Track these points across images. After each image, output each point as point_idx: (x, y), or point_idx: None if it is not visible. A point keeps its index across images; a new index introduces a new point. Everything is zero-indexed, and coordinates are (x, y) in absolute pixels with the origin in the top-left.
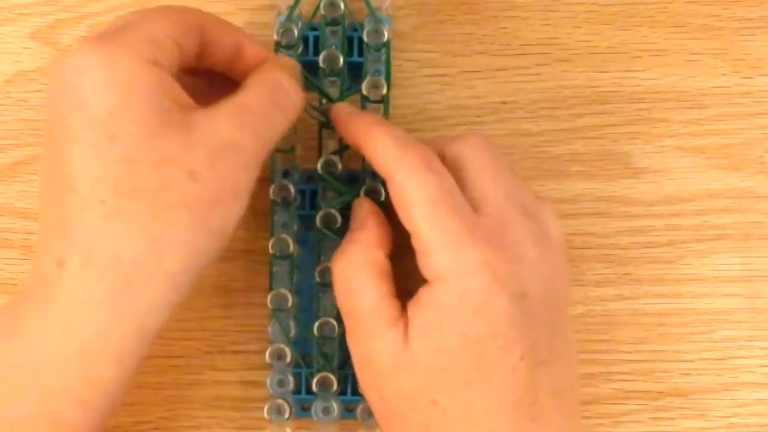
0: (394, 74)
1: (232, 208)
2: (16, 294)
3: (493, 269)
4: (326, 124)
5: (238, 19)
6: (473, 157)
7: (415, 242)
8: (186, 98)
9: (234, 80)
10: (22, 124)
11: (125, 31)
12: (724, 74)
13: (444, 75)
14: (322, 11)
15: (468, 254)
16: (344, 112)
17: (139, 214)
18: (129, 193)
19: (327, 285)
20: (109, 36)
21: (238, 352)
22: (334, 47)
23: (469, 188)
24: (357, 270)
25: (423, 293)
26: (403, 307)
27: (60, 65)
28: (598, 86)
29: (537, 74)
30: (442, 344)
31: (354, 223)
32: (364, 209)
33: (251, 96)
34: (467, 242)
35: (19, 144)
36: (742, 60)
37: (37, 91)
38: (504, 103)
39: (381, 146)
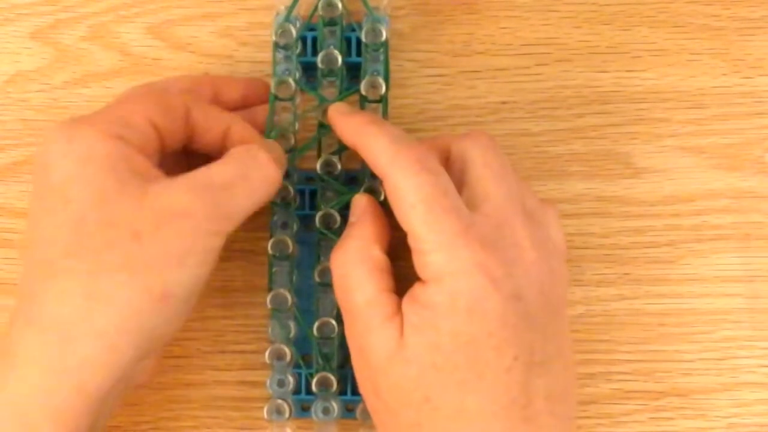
0: (394, 74)
1: (177, 273)
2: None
3: (486, 270)
4: (325, 124)
5: (238, 20)
6: (477, 155)
7: (411, 242)
8: (152, 170)
9: None
10: (22, 124)
11: (98, 112)
12: (724, 74)
13: (444, 75)
14: (320, 11)
15: (462, 255)
16: (340, 112)
17: (79, 273)
18: (74, 253)
19: (326, 285)
20: (82, 117)
21: (238, 352)
22: (332, 47)
23: (471, 186)
24: (353, 265)
25: (418, 290)
26: (400, 303)
27: (40, 142)
28: (598, 86)
29: (537, 74)
30: (435, 342)
31: (352, 218)
32: (361, 205)
33: (217, 167)
34: (462, 243)
35: (19, 144)
36: (742, 60)
37: (37, 91)
38: (504, 103)
39: (376, 146)
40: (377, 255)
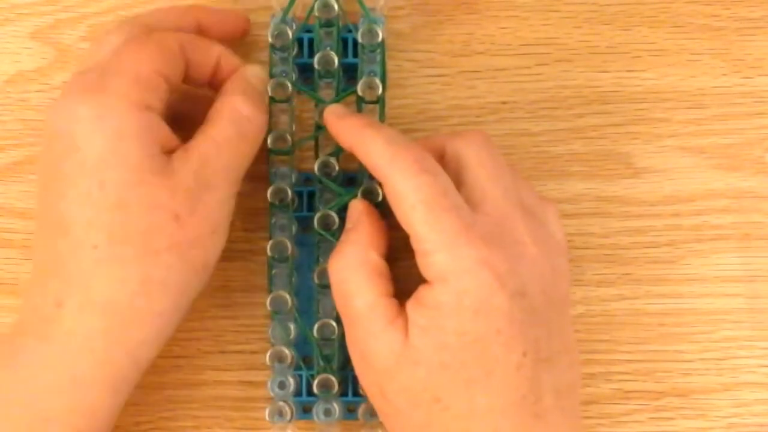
0: (394, 74)
1: (213, 244)
2: (12, 327)
3: (491, 268)
4: (323, 126)
5: None
6: (472, 154)
7: (414, 243)
8: (170, 137)
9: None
10: (22, 124)
11: (114, 75)
12: (724, 74)
13: (444, 75)
14: (316, 13)
15: (466, 253)
16: (336, 114)
17: (130, 258)
18: (120, 239)
19: (326, 286)
20: (100, 81)
21: (238, 352)
22: (328, 48)
23: (469, 186)
24: (352, 271)
25: (423, 292)
26: (401, 306)
27: (53, 111)
28: (598, 86)
29: (537, 74)
30: (443, 342)
31: (348, 224)
32: (357, 210)
33: (217, 131)
34: (465, 241)
35: (19, 144)
36: (742, 60)
37: (37, 91)
38: (504, 103)
39: (374, 148)
40: (375, 260)
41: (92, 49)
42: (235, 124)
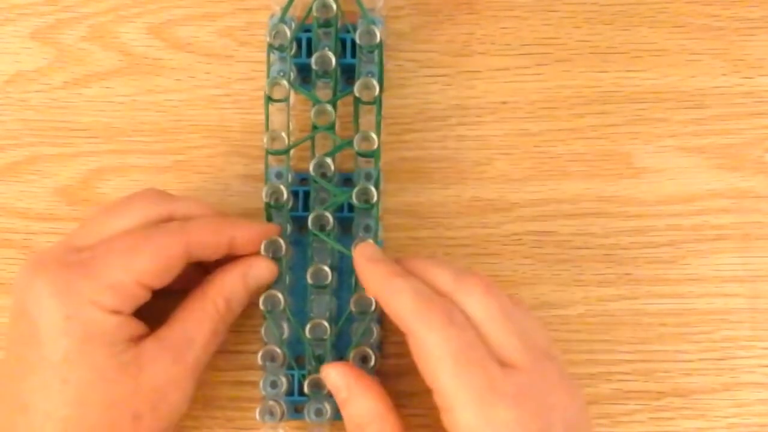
0: (394, 74)
1: None
2: None
3: (523, 427)
4: (319, 125)
5: (238, 20)
6: (479, 308)
7: (439, 399)
8: (140, 329)
9: None
10: (22, 124)
11: (92, 278)
12: (724, 74)
13: (444, 75)
14: (314, 13)
15: (495, 413)
16: (365, 257)
17: None
18: None
19: (319, 286)
20: (75, 278)
21: (238, 352)
22: (326, 49)
23: (485, 342)
24: None
25: None
26: None
27: (23, 280)
28: (598, 86)
29: (537, 74)
30: None
31: (342, 394)
32: (342, 375)
33: (192, 325)
34: (493, 399)
35: (19, 144)
36: (742, 60)
37: (37, 91)
38: (504, 103)
39: (401, 300)
40: (395, 423)
41: (99, 216)
42: (212, 322)
